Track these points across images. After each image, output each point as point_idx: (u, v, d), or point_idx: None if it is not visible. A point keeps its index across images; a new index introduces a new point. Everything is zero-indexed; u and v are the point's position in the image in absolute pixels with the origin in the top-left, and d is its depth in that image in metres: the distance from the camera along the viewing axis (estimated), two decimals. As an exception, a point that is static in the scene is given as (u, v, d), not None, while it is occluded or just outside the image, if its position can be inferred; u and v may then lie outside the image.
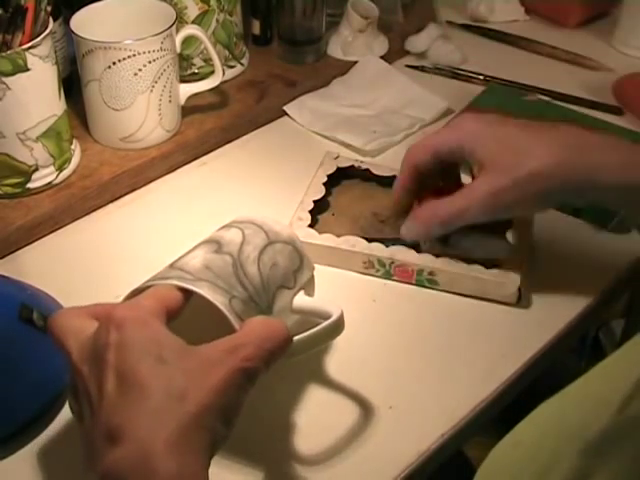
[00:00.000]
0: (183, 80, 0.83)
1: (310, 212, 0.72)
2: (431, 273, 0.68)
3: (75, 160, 0.78)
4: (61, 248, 0.73)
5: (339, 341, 0.56)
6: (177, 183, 0.81)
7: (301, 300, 0.56)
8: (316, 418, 0.59)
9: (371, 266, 0.69)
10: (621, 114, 0.90)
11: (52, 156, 0.74)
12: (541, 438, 0.38)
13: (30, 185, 0.74)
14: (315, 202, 0.73)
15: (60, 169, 0.76)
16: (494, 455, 0.41)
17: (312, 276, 0.58)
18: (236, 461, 0.56)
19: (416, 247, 0.68)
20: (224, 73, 0.84)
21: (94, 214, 0.77)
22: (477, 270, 0.67)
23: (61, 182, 0.76)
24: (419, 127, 0.87)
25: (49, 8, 0.71)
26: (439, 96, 0.91)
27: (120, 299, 0.51)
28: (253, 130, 0.88)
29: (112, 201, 0.78)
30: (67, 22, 0.78)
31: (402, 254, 0.68)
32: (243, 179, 0.81)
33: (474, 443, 0.74)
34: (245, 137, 0.87)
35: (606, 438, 0.34)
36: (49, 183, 0.75)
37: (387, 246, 0.69)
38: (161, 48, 0.76)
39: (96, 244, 0.74)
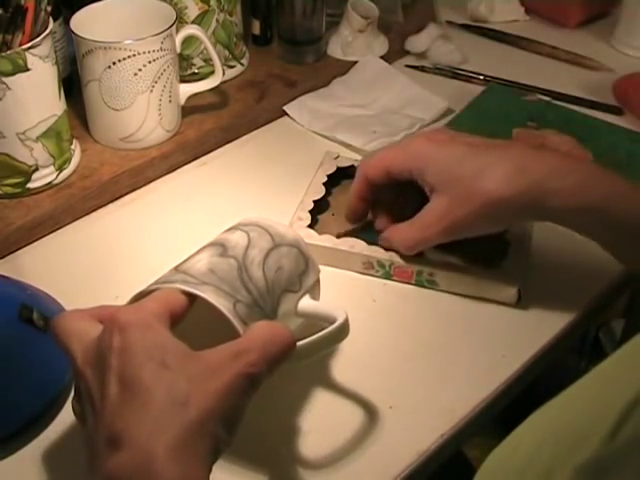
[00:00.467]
0: (183, 80, 0.83)
1: (310, 212, 0.72)
2: (431, 274, 0.68)
3: (75, 160, 0.78)
4: (61, 248, 0.73)
5: (339, 341, 0.56)
6: (177, 183, 0.81)
7: (306, 304, 0.56)
8: (315, 418, 0.59)
9: (371, 267, 0.69)
10: (621, 114, 0.90)
11: (52, 156, 0.74)
12: (539, 446, 0.37)
13: (30, 185, 0.74)
14: (315, 202, 0.73)
15: (60, 169, 0.76)
16: (492, 459, 0.41)
17: (317, 279, 0.58)
18: (235, 462, 0.56)
19: None
20: (224, 73, 0.84)
21: (94, 214, 0.77)
22: (477, 271, 0.67)
23: (61, 182, 0.76)
24: (419, 127, 0.87)
25: (49, 8, 0.71)
26: (439, 96, 0.91)
27: (119, 299, 0.51)
28: (253, 130, 0.88)
29: (112, 201, 0.78)
30: (67, 22, 0.78)
31: (401, 255, 0.68)
32: (243, 179, 0.81)
33: (474, 443, 0.75)
34: (245, 137, 0.87)
35: (600, 465, 0.33)
36: (49, 183, 0.75)
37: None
38: (161, 48, 0.76)
39: (96, 244, 0.74)
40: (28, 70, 0.69)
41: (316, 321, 0.55)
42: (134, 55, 0.75)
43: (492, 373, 0.62)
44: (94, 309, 0.50)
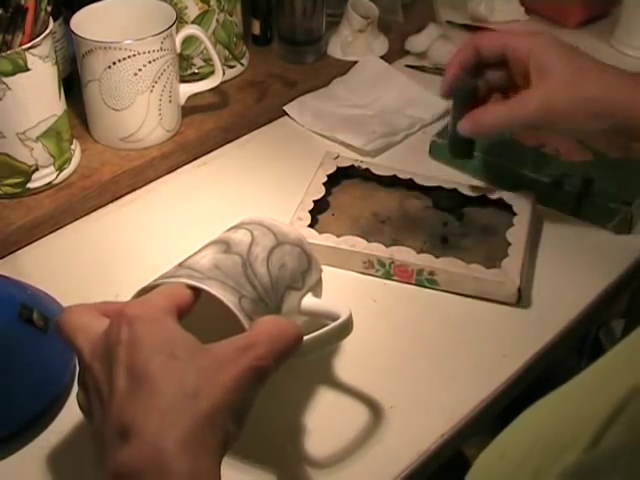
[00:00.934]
0: (183, 80, 0.83)
1: (310, 212, 0.72)
2: (431, 273, 0.68)
3: (75, 160, 0.78)
4: (61, 248, 0.73)
5: (339, 341, 0.56)
6: (177, 183, 0.81)
7: (309, 301, 0.56)
8: (315, 418, 0.59)
9: (371, 266, 0.69)
10: (621, 114, 0.90)
11: (52, 156, 0.74)
12: (525, 453, 0.37)
13: (30, 185, 0.74)
14: (315, 202, 0.73)
15: (60, 169, 0.76)
16: (480, 464, 0.41)
17: (320, 278, 0.58)
18: (235, 459, 0.56)
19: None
20: (224, 73, 0.84)
21: (94, 214, 0.77)
22: (477, 270, 0.67)
23: (61, 182, 0.76)
24: (419, 127, 0.87)
25: (49, 8, 0.71)
26: (439, 96, 0.91)
27: (119, 299, 0.51)
28: (253, 130, 0.88)
29: (112, 201, 0.78)
30: (67, 22, 0.78)
31: (402, 254, 0.68)
32: (243, 179, 0.81)
33: (474, 443, 0.74)
34: (245, 137, 0.87)
35: (582, 472, 0.33)
36: (49, 183, 0.75)
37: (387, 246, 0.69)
38: (161, 48, 0.76)
39: (96, 244, 0.74)
40: (28, 70, 0.69)
41: (319, 319, 0.55)
42: (134, 55, 0.75)
43: (492, 373, 0.62)
44: (99, 304, 0.50)
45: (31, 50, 0.69)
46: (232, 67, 0.91)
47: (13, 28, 0.69)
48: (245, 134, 0.87)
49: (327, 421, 0.59)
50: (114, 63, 0.75)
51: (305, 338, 0.50)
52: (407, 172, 0.77)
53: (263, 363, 0.45)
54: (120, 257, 0.72)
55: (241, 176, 0.82)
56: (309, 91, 0.92)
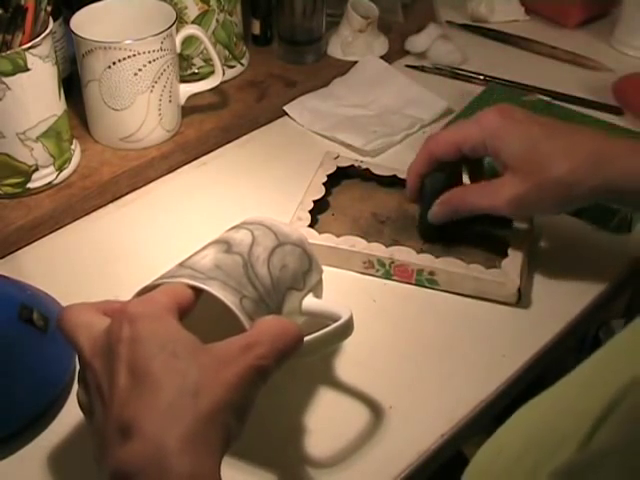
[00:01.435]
0: (183, 80, 0.83)
1: (310, 212, 0.72)
2: (431, 273, 0.68)
3: (75, 160, 0.78)
4: (61, 248, 0.73)
5: (339, 341, 0.56)
6: (177, 183, 0.81)
7: (310, 302, 0.56)
8: (315, 418, 0.59)
9: (371, 266, 0.69)
10: (621, 114, 0.90)
11: (52, 156, 0.74)
12: (521, 449, 0.38)
13: (30, 185, 0.74)
14: (315, 202, 0.73)
15: (60, 169, 0.76)
16: (477, 461, 0.41)
17: (321, 278, 0.58)
18: (235, 459, 0.56)
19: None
20: (224, 73, 0.84)
21: (94, 214, 0.77)
22: (477, 270, 0.67)
23: (61, 182, 0.76)
24: (419, 127, 0.87)
25: (49, 8, 0.71)
26: (439, 96, 0.91)
27: (119, 299, 0.51)
28: (253, 130, 0.88)
29: (112, 201, 0.78)
30: (67, 22, 0.78)
31: (402, 254, 0.68)
32: (243, 179, 0.81)
33: (474, 443, 0.74)
34: (245, 137, 0.87)
35: (573, 471, 0.33)
36: (49, 183, 0.75)
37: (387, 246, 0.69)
38: (161, 48, 0.76)
39: (96, 244, 0.74)
40: (28, 70, 0.69)
41: (320, 319, 0.55)
42: (134, 55, 0.75)
43: (492, 373, 0.62)
44: (100, 303, 0.50)
45: (31, 50, 0.69)
46: (232, 67, 0.91)
47: (13, 28, 0.69)
48: (245, 134, 0.87)
49: (327, 421, 0.59)
50: (114, 63, 0.75)
51: (306, 339, 0.50)
52: (407, 172, 0.77)
53: (264, 362, 0.45)
54: (120, 257, 0.72)
55: (241, 176, 0.82)
56: (309, 91, 0.92)
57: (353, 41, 0.96)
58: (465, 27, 1.06)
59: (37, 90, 0.71)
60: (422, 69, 0.98)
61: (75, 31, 0.76)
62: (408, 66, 0.98)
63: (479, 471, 0.41)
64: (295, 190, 0.76)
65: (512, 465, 0.37)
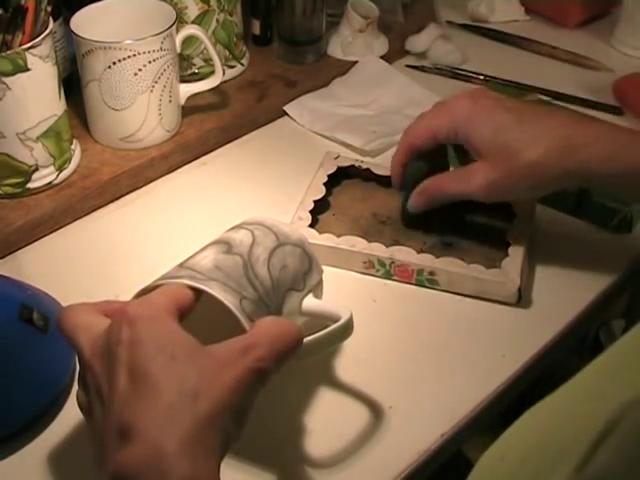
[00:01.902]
0: (183, 80, 0.83)
1: (310, 212, 0.72)
2: (431, 273, 0.68)
3: (75, 160, 0.78)
4: (61, 248, 0.73)
5: (339, 341, 0.56)
6: (177, 183, 0.81)
7: (310, 302, 0.56)
8: (315, 418, 0.59)
9: (371, 266, 0.69)
10: (621, 114, 0.90)
11: (52, 156, 0.74)
12: (524, 455, 0.37)
13: (30, 185, 0.74)
14: (315, 202, 0.73)
15: (60, 169, 0.76)
16: (481, 466, 0.41)
17: (321, 279, 0.58)
18: (235, 459, 0.55)
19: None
20: (224, 73, 0.84)
21: (94, 214, 0.77)
22: (477, 270, 0.67)
23: (61, 182, 0.76)
24: (419, 127, 0.87)
25: (49, 8, 0.71)
26: (439, 96, 0.91)
27: (119, 299, 0.51)
28: (253, 130, 0.88)
29: (112, 201, 0.78)
30: (67, 22, 0.78)
31: (402, 254, 0.68)
32: (243, 179, 0.81)
33: (474, 444, 0.75)
34: (245, 137, 0.87)
35: None
36: (49, 183, 0.75)
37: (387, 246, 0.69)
38: (161, 48, 0.76)
39: (96, 244, 0.74)
40: (28, 70, 0.69)
41: (320, 320, 0.55)
42: (134, 55, 0.75)
43: (492, 373, 0.62)
44: (100, 303, 0.50)
45: (31, 50, 0.69)
46: (232, 67, 0.91)
47: (13, 28, 0.69)
48: (245, 134, 0.87)
49: (327, 421, 0.58)
50: (114, 63, 0.75)
51: (305, 340, 0.50)
52: (407, 172, 0.77)
53: (263, 365, 0.45)
54: (120, 257, 0.72)
55: (241, 176, 0.82)
56: (309, 91, 0.92)
57: (353, 41, 0.96)
58: (465, 27, 1.06)
59: (37, 90, 0.71)
60: (422, 69, 0.98)
61: (75, 31, 0.76)
62: (408, 66, 0.98)
63: (483, 475, 0.41)
64: (295, 190, 0.76)
65: (515, 470, 0.37)
